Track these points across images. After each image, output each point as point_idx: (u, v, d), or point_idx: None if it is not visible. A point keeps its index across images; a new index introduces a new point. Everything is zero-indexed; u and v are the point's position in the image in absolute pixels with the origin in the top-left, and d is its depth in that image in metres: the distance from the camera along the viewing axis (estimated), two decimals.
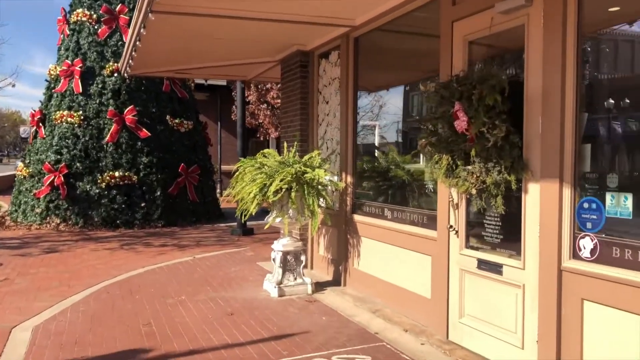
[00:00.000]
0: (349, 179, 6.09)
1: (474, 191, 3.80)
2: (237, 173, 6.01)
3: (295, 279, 5.89)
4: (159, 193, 12.34)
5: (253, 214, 5.75)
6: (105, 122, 12.27)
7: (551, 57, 3.36)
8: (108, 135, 12.11)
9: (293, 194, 5.56)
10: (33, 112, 13.02)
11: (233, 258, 8.26)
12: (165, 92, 13.14)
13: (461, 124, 3.70)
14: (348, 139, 6.10)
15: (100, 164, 12.09)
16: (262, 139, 21.40)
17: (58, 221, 11.91)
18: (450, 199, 4.21)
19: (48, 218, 11.99)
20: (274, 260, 6.07)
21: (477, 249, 4.04)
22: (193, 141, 13.64)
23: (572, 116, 3.27)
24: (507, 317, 3.74)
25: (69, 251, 8.90)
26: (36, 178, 12.36)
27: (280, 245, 5.90)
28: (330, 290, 5.98)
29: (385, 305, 5.28)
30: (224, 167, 23.08)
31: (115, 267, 7.58)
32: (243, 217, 5.86)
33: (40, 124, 12.71)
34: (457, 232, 4.20)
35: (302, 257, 5.94)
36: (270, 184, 5.58)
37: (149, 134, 12.34)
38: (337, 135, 6.43)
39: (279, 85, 18.01)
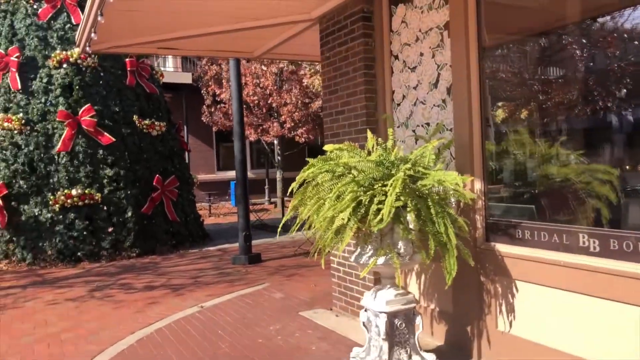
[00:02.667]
0: (477, 185, 3.80)
1: None
2: (303, 184, 3.59)
3: (410, 357, 3.53)
4: (130, 214, 9.68)
5: (341, 250, 3.38)
6: (55, 126, 9.52)
7: None
8: (60, 143, 9.38)
9: (411, 216, 3.22)
10: None
11: (259, 305, 5.81)
12: (129, 87, 10.49)
13: None
14: (473, 121, 3.80)
15: (51, 181, 9.34)
16: None
17: None
18: None
19: None
20: (365, 325, 3.69)
21: None
22: (167, 147, 11.03)
23: None
24: None
25: (15, 307, 6.21)
26: None
27: (382, 302, 3.51)
28: None
29: None
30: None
31: (87, 335, 5.01)
32: (322, 256, 3.46)
33: None
34: None
35: (418, 320, 3.59)
36: (370, 201, 3.23)
37: (113, 139, 9.69)
38: (439, 117, 4.14)
39: (264, 75, 15.43)
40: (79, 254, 9.16)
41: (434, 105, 4.19)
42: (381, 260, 3.38)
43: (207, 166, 20.48)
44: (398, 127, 4.59)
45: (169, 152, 10.99)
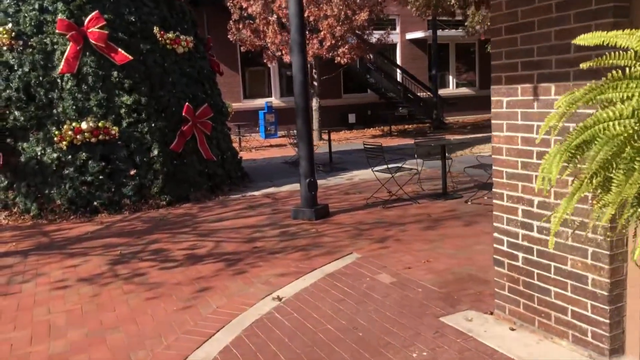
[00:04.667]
0: None
1: None
2: (581, 128, 1.47)
3: None
4: (156, 152, 7.67)
5: None
6: (55, 40, 7.36)
7: None
8: (62, 63, 7.26)
9: None
10: None
11: (367, 298, 3.85)
12: None
13: None
14: None
15: (55, 111, 7.29)
16: (269, 64, 16.43)
17: None
18: None
19: None
20: None
21: None
22: (196, 68, 8.84)
23: None
24: None
25: (8, 293, 4.33)
26: None
27: None
28: None
29: None
30: None
31: None
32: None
33: None
34: None
35: None
36: None
37: (129, 57, 7.52)
38: None
39: None
40: (95, 203, 7.27)
41: None
42: None
43: (231, 94, 18.16)
44: None
45: (198, 75, 8.82)
